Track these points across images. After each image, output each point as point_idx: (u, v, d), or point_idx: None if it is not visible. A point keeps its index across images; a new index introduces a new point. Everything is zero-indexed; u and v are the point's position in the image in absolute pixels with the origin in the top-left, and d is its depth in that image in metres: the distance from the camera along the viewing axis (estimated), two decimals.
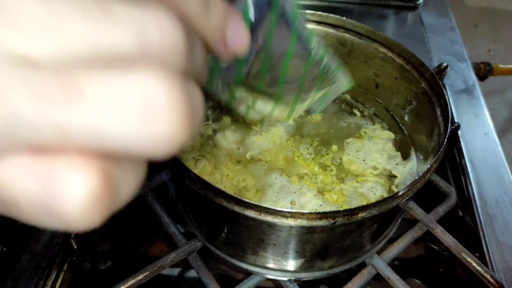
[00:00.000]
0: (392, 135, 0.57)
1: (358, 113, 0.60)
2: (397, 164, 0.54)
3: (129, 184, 0.15)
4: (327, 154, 0.54)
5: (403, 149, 0.56)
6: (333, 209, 0.48)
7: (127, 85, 0.13)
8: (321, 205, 0.48)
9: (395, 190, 0.51)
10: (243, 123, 0.57)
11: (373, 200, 0.49)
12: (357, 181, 0.51)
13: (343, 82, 0.38)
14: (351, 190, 0.50)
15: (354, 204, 0.49)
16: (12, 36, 0.13)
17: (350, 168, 0.53)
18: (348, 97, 0.62)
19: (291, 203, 0.48)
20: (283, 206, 0.47)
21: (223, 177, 0.50)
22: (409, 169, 0.53)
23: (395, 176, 0.53)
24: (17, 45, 0.13)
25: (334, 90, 0.39)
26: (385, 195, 0.50)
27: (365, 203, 0.48)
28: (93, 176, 0.13)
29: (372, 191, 0.50)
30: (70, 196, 0.13)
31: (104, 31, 0.13)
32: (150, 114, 0.13)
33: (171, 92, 0.13)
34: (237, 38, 0.20)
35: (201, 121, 0.15)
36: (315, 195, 0.49)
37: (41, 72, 0.13)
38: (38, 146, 0.13)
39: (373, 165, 0.53)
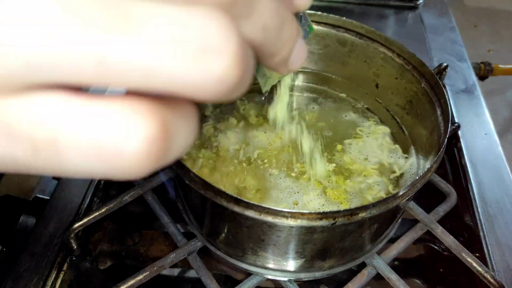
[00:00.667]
0: (387, 129, 0.58)
1: (351, 111, 0.60)
2: (399, 158, 0.54)
3: (182, 135, 0.14)
4: (331, 154, 0.54)
5: (403, 149, 0.56)
6: (335, 208, 0.47)
7: (185, 20, 0.12)
8: (323, 205, 0.48)
9: (398, 185, 0.51)
10: (245, 123, 0.57)
11: (376, 198, 0.49)
12: (359, 180, 0.51)
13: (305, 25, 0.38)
14: (354, 189, 0.50)
15: (357, 202, 0.49)
16: None
17: (352, 167, 0.53)
18: (344, 95, 0.62)
19: (293, 203, 0.48)
20: (285, 206, 0.47)
21: (223, 177, 0.50)
22: (409, 167, 0.53)
23: (398, 174, 0.53)
24: None
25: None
26: (389, 191, 0.50)
27: (368, 201, 0.48)
28: (152, 120, 0.13)
29: (375, 189, 0.50)
30: (128, 140, 0.12)
31: None
32: (205, 52, 0.13)
33: (229, 33, 0.13)
34: (298, 60, 0.19)
35: (251, 74, 0.14)
36: (318, 195, 0.49)
37: (79, 1, 0.12)
38: (80, 82, 0.12)
39: (376, 162, 0.53)
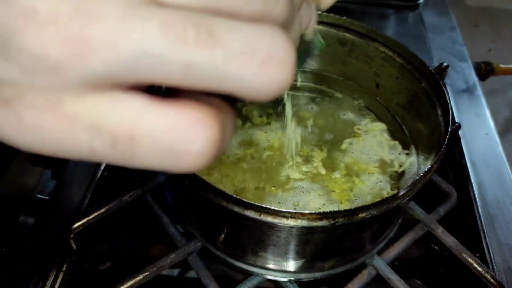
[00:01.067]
0: (384, 126, 0.58)
1: (350, 111, 0.60)
2: (399, 154, 0.54)
3: (229, 133, 0.17)
4: (332, 154, 0.54)
5: (404, 148, 0.56)
6: (335, 208, 0.47)
7: (256, 35, 0.15)
8: (324, 204, 0.48)
9: (399, 185, 0.51)
10: (246, 123, 0.57)
11: (376, 197, 0.49)
12: (361, 179, 0.51)
13: (314, 41, 0.39)
14: (356, 189, 0.50)
15: (359, 202, 0.49)
16: None
17: (354, 166, 0.52)
18: (344, 95, 0.62)
19: (293, 204, 0.48)
20: (285, 206, 0.47)
21: (223, 177, 0.50)
22: (410, 166, 0.53)
23: (399, 171, 0.53)
24: None
25: (306, 52, 0.40)
26: (390, 190, 0.50)
27: (368, 201, 0.48)
28: (215, 125, 0.15)
29: (377, 187, 0.50)
30: (195, 141, 0.15)
31: None
32: (271, 62, 0.15)
33: (288, 47, 0.16)
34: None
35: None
36: (319, 195, 0.49)
37: (173, 12, 0.14)
38: (159, 83, 0.15)
39: (377, 159, 0.53)
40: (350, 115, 0.59)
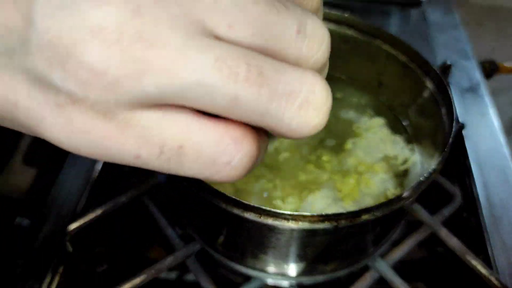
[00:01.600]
0: (381, 121, 0.57)
1: (352, 110, 0.59)
2: (402, 149, 0.54)
3: (263, 154, 0.19)
4: (336, 154, 0.53)
5: (406, 143, 0.55)
6: (341, 209, 0.47)
7: (298, 79, 0.17)
8: (329, 204, 0.47)
9: (403, 185, 0.50)
10: None
11: (380, 195, 0.49)
12: (366, 178, 0.51)
13: None
14: (362, 188, 0.50)
15: (364, 202, 0.48)
16: (201, 8, 0.15)
17: (358, 165, 0.52)
18: (345, 94, 0.62)
19: (295, 204, 0.47)
20: (286, 208, 0.47)
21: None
22: (413, 164, 0.53)
23: (403, 168, 0.52)
24: (205, 18, 0.15)
25: None
26: (394, 189, 0.50)
27: (371, 202, 0.48)
28: (253, 143, 0.17)
29: (382, 187, 0.50)
30: (236, 155, 0.17)
31: (282, 24, 0.17)
32: (306, 106, 0.17)
33: (326, 94, 0.17)
34: None
35: None
36: (322, 196, 0.48)
37: (228, 47, 0.15)
38: (204, 110, 0.16)
39: (381, 157, 0.53)
40: (352, 114, 0.59)
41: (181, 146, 0.16)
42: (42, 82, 0.15)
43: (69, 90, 0.15)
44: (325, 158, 0.52)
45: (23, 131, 0.18)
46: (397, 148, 0.54)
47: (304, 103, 0.17)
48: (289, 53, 0.17)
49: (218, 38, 0.16)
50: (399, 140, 0.55)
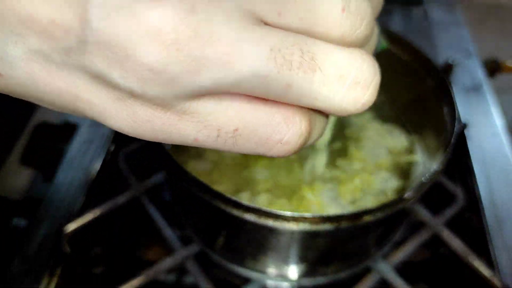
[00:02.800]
0: (367, 114, 0.57)
1: None
2: (403, 146, 0.54)
3: (317, 131, 0.19)
4: (338, 154, 0.53)
5: (409, 148, 0.55)
6: (341, 209, 0.47)
7: (346, 59, 0.17)
8: (329, 205, 0.47)
9: (406, 185, 0.50)
10: None
11: (384, 196, 0.49)
12: (369, 177, 0.50)
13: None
14: (364, 188, 0.49)
15: (367, 201, 0.48)
16: None
17: (361, 165, 0.51)
18: None
19: (296, 204, 0.47)
20: (287, 208, 0.46)
21: (222, 177, 0.49)
22: (415, 164, 0.53)
23: (405, 166, 0.52)
24: (256, 8, 0.16)
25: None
26: (397, 188, 0.50)
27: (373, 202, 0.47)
28: (304, 121, 0.18)
29: (384, 186, 0.50)
30: (286, 133, 0.18)
31: (329, 4, 0.17)
32: (357, 85, 0.17)
33: (374, 70, 0.18)
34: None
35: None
36: (325, 195, 0.48)
37: (280, 35, 0.16)
38: (257, 96, 0.17)
39: (383, 156, 0.52)
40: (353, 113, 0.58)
41: (237, 129, 0.17)
42: (101, 79, 0.16)
43: (128, 87, 0.16)
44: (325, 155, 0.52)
45: (86, 117, 0.19)
46: (398, 145, 0.54)
47: (353, 84, 0.17)
48: (334, 32, 0.17)
49: (267, 23, 0.16)
50: (391, 129, 0.55)
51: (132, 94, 0.16)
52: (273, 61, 0.16)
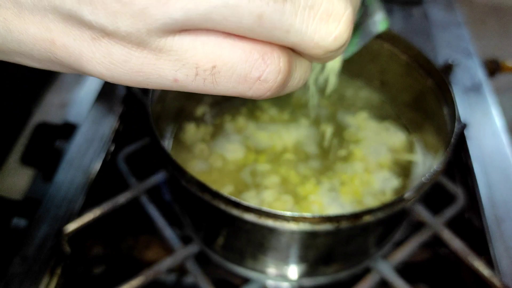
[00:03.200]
0: (365, 113, 0.57)
1: (353, 108, 0.59)
2: (397, 133, 0.55)
3: (299, 73, 0.19)
4: (338, 153, 0.53)
5: (409, 148, 0.55)
6: (341, 208, 0.46)
7: None
8: (329, 204, 0.47)
9: (406, 185, 0.50)
10: (250, 121, 0.56)
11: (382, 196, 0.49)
12: (368, 177, 0.50)
13: (378, 19, 0.36)
14: (364, 187, 0.49)
15: (368, 201, 0.48)
16: None
17: (361, 164, 0.51)
18: (344, 93, 0.61)
19: (295, 203, 0.47)
20: (286, 208, 0.46)
21: (222, 176, 0.49)
22: (415, 164, 0.53)
23: (405, 164, 0.52)
24: None
25: (366, 30, 0.38)
26: (397, 187, 0.50)
27: (372, 203, 0.47)
28: (282, 58, 0.18)
29: (386, 184, 0.50)
30: (265, 69, 0.18)
31: None
32: (328, 17, 0.17)
33: (345, 5, 0.18)
34: None
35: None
36: (325, 194, 0.48)
37: None
38: (229, 31, 0.17)
39: (383, 155, 0.52)
40: (358, 112, 0.58)
41: (214, 65, 0.17)
42: (73, 19, 0.16)
43: (100, 24, 0.16)
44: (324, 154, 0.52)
45: (64, 70, 0.19)
46: (392, 134, 0.54)
47: (324, 15, 0.17)
48: None
49: None
50: (388, 127, 0.55)
51: (105, 32, 0.16)
52: None
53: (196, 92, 0.18)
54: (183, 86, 0.18)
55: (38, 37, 0.17)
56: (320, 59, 0.19)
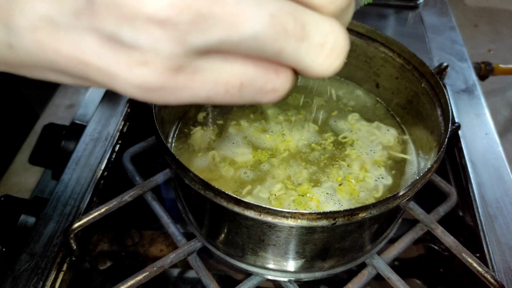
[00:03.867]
0: (356, 115, 0.58)
1: (349, 110, 0.60)
2: (388, 130, 0.56)
3: (284, 83, 0.22)
4: (335, 153, 0.54)
5: (403, 148, 0.55)
6: (337, 205, 0.47)
7: (327, 29, 0.20)
8: (325, 201, 0.48)
9: (400, 183, 0.51)
10: (255, 121, 0.57)
11: (381, 191, 0.50)
12: (364, 175, 0.51)
13: None
14: (360, 185, 0.50)
15: (363, 198, 0.49)
16: None
17: (357, 163, 0.52)
18: (341, 96, 0.62)
19: (293, 201, 0.48)
20: (285, 205, 0.47)
21: (223, 176, 0.50)
22: (410, 164, 0.53)
23: (399, 161, 0.53)
24: None
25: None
26: (392, 184, 0.51)
27: (367, 200, 0.48)
28: (288, 73, 0.21)
29: (381, 182, 0.51)
30: (277, 83, 0.21)
31: None
32: (331, 53, 0.20)
33: (346, 40, 0.20)
34: None
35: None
36: (322, 192, 0.49)
37: (278, 3, 0.18)
38: (253, 55, 0.19)
39: (378, 154, 0.53)
40: (350, 114, 0.59)
41: (242, 82, 0.20)
42: (112, 41, 0.17)
43: (140, 45, 0.17)
44: (322, 154, 0.53)
45: (97, 86, 0.20)
46: (392, 141, 0.55)
47: (331, 51, 0.20)
48: (318, 1, 0.20)
49: None
50: (379, 125, 0.57)
51: (144, 58, 0.17)
52: (272, 27, 0.18)
53: (220, 104, 0.21)
54: (212, 101, 0.20)
55: (72, 57, 0.18)
56: (314, 77, 0.23)
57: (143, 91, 0.19)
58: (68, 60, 0.18)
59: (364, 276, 0.47)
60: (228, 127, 0.56)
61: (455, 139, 0.64)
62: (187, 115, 0.57)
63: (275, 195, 0.48)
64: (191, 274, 0.53)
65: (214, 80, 0.19)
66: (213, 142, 0.54)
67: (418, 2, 0.92)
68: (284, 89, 0.21)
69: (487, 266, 0.49)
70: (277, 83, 0.21)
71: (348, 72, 0.61)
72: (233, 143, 0.54)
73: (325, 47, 0.20)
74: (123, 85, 0.18)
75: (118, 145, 0.60)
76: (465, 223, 0.57)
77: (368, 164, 0.53)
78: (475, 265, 0.47)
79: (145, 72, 0.18)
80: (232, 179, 0.50)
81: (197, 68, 0.19)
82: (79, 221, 0.48)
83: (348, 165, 0.52)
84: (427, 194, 0.51)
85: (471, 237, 0.55)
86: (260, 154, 0.53)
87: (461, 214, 0.59)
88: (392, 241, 0.50)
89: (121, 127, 0.62)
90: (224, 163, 0.51)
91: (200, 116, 0.57)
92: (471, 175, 0.59)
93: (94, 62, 0.18)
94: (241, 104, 0.21)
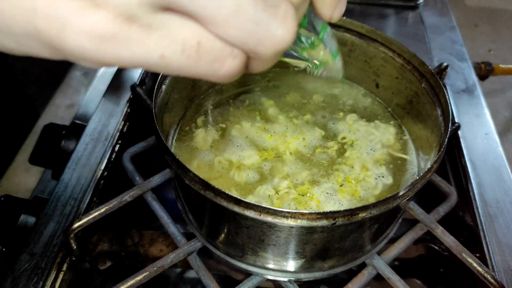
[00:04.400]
0: (354, 116, 0.58)
1: (349, 110, 0.60)
2: (387, 129, 0.57)
3: (259, 65, 0.22)
4: (335, 152, 0.54)
5: (403, 148, 0.56)
6: (338, 205, 0.47)
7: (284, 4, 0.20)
8: (325, 201, 0.48)
9: (400, 183, 0.51)
10: (257, 121, 0.57)
11: (380, 190, 0.50)
12: (364, 174, 0.51)
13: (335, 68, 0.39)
14: (360, 185, 0.50)
15: (364, 198, 0.49)
16: None
17: (357, 163, 0.52)
18: (340, 95, 0.62)
19: (295, 200, 0.48)
20: (285, 204, 0.47)
21: (224, 173, 0.50)
22: (410, 164, 0.53)
23: (399, 160, 0.53)
24: None
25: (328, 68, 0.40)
26: (394, 183, 0.51)
27: (368, 200, 0.48)
28: (243, 55, 0.21)
29: (381, 182, 0.51)
30: (234, 50, 0.20)
31: None
32: (285, 17, 0.20)
33: (293, 11, 0.21)
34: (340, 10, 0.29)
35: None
36: (322, 192, 0.49)
37: None
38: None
39: (378, 153, 0.53)
40: (348, 115, 0.59)
41: (199, 41, 0.19)
42: None
43: None
44: (323, 154, 0.53)
45: (42, 51, 0.18)
46: (392, 140, 0.55)
47: (285, 15, 0.20)
48: None
49: None
50: (393, 134, 0.56)
51: (95, 3, 0.16)
52: None
53: (174, 72, 0.20)
54: (167, 64, 0.19)
55: (20, 5, 0.17)
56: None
57: (93, 40, 0.17)
58: (15, 9, 0.17)
59: (364, 276, 0.47)
60: (230, 128, 0.56)
61: (455, 139, 0.64)
62: (188, 114, 0.57)
63: (278, 193, 0.48)
64: (191, 274, 0.54)
65: (171, 38, 0.19)
66: (217, 143, 0.54)
67: (418, 2, 0.92)
68: (236, 67, 0.21)
69: (487, 266, 0.49)
70: (234, 53, 0.20)
71: (348, 72, 0.61)
72: (239, 147, 0.54)
73: (279, 9, 0.20)
74: (73, 34, 0.17)
75: (118, 145, 0.61)
76: (465, 223, 0.57)
77: (369, 163, 0.53)
78: (475, 265, 0.47)
79: (96, 17, 0.17)
80: (235, 180, 0.50)
81: (154, 24, 0.18)
82: (79, 221, 0.48)
83: (348, 166, 0.52)
84: (427, 194, 0.51)
85: (471, 237, 0.55)
86: (266, 153, 0.53)
87: (461, 214, 0.59)
88: (392, 241, 0.50)
89: (121, 127, 0.62)
90: (231, 167, 0.51)
91: (202, 114, 0.57)
92: (471, 175, 0.59)
93: (44, 9, 0.17)
94: (200, 75, 0.20)
